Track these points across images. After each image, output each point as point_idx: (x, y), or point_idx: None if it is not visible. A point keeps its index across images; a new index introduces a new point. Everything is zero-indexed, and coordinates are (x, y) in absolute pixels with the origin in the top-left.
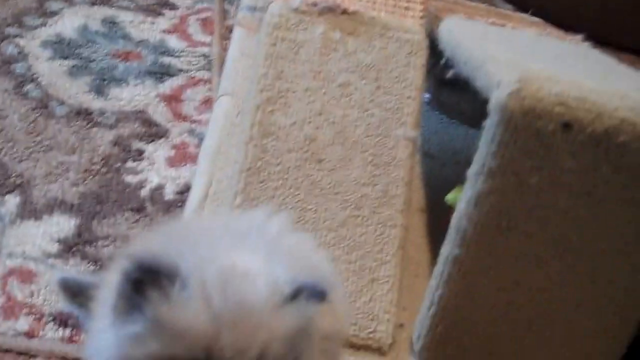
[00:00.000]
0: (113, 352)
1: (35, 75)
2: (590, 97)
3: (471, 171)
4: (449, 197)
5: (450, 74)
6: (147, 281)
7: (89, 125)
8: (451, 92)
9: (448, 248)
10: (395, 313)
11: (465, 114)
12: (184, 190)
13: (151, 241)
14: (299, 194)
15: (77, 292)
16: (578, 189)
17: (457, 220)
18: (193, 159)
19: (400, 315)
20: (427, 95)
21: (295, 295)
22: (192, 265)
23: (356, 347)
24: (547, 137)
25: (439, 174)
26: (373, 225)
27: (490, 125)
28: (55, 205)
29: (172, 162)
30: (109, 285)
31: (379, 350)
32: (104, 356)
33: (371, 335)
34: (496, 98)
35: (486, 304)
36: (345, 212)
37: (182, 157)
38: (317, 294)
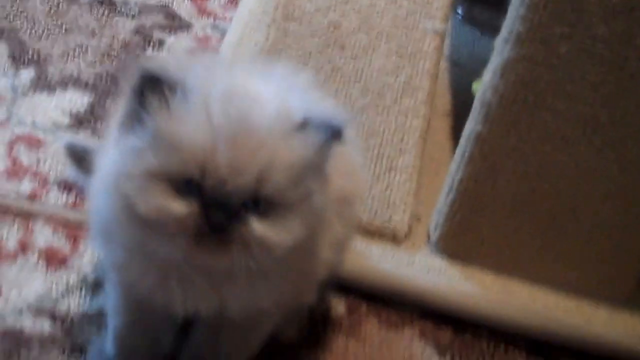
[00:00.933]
0: (113, 169)
1: None
2: None
3: (499, 39)
4: (475, 86)
5: None
6: (149, 90)
7: (111, 14)
8: (484, 8)
9: (471, 125)
10: (412, 203)
11: (498, 30)
12: None
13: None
14: (319, 78)
15: (82, 158)
16: (610, 61)
17: (481, 93)
18: (214, 48)
19: (418, 208)
20: (459, 11)
21: (307, 125)
22: (199, 80)
23: (371, 234)
24: (580, 1)
25: (466, 82)
26: (394, 115)
27: None
28: (70, 82)
29: (193, 53)
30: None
31: (394, 239)
32: (99, 179)
33: (386, 224)
34: None
35: (508, 191)
36: (365, 99)
37: (204, 49)
38: (332, 130)
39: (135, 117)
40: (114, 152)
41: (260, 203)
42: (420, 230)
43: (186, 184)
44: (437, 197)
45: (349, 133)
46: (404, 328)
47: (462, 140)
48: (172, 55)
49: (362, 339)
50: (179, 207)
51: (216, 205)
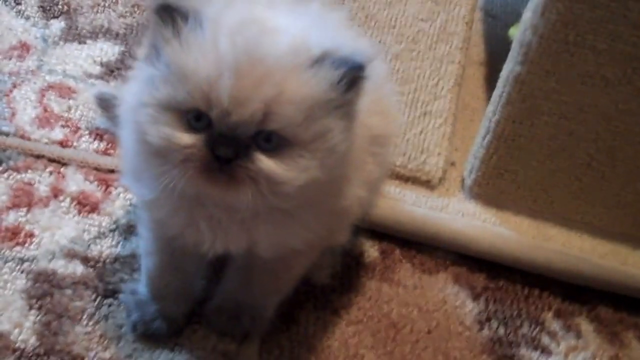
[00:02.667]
0: (132, 99)
1: None
2: None
3: None
4: (512, 31)
5: None
6: (163, 20)
7: None
8: None
9: (510, 66)
10: (447, 148)
11: None
12: None
13: None
14: (352, 26)
15: (112, 107)
16: None
17: (521, 33)
18: None
19: (452, 154)
20: None
21: (324, 59)
22: (216, 11)
23: (404, 178)
24: None
25: (500, 33)
26: (429, 60)
27: None
28: (100, 33)
29: None
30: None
31: (428, 184)
32: (124, 110)
33: (420, 168)
34: None
35: (546, 134)
36: (400, 45)
37: None
38: (353, 65)
39: (154, 48)
40: (135, 83)
41: (271, 139)
42: (454, 175)
43: (195, 116)
44: (471, 144)
45: (382, 73)
46: (437, 273)
47: (500, 82)
48: None
49: (396, 283)
50: (185, 137)
51: (223, 138)
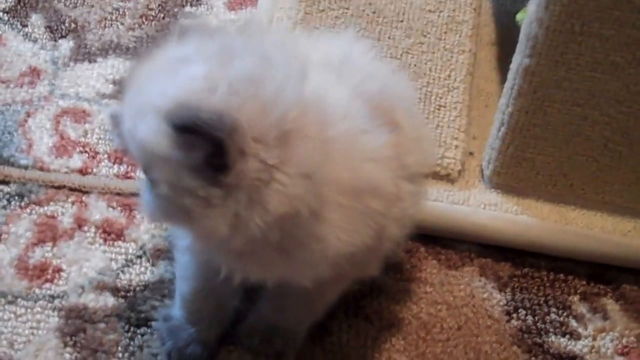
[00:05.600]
0: None
1: None
2: None
3: None
4: (519, 16)
5: None
6: None
7: None
8: None
9: (518, 59)
10: (464, 140)
11: None
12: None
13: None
14: (360, 23)
15: None
16: None
17: (527, 26)
18: (253, 1)
19: (470, 144)
20: None
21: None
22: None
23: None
24: None
25: (510, 10)
26: (440, 52)
27: None
28: (110, 49)
29: (232, 5)
30: None
31: (448, 177)
32: None
33: (439, 162)
34: None
35: (559, 121)
36: (409, 39)
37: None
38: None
39: None
40: None
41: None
42: (473, 166)
43: None
44: (488, 130)
45: (414, 107)
46: (463, 267)
47: (510, 74)
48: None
49: (423, 282)
50: None
51: None
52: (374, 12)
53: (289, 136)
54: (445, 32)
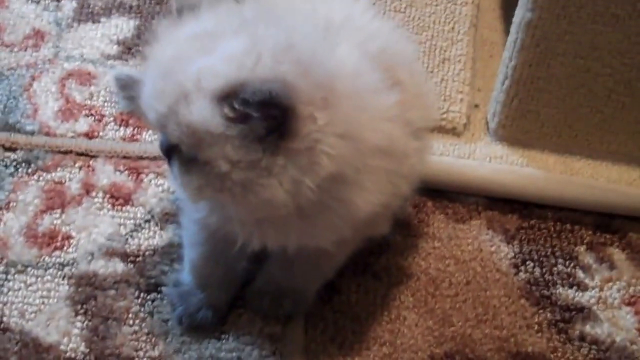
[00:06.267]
0: None
1: None
2: None
3: None
4: None
5: None
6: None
7: None
8: None
9: (521, 12)
10: (469, 93)
11: None
12: None
13: None
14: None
15: (130, 89)
16: None
17: None
18: None
19: (475, 95)
20: None
21: (229, 95)
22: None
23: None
24: None
25: None
26: (443, 4)
27: None
28: (114, 7)
29: None
30: None
31: (453, 131)
32: None
33: (445, 116)
34: None
35: (562, 73)
36: None
37: None
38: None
39: None
40: None
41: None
42: (479, 118)
43: None
44: (493, 81)
45: (416, 63)
46: (470, 220)
47: (513, 28)
48: None
49: (431, 237)
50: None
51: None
52: None
53: (331, 97)
54: None
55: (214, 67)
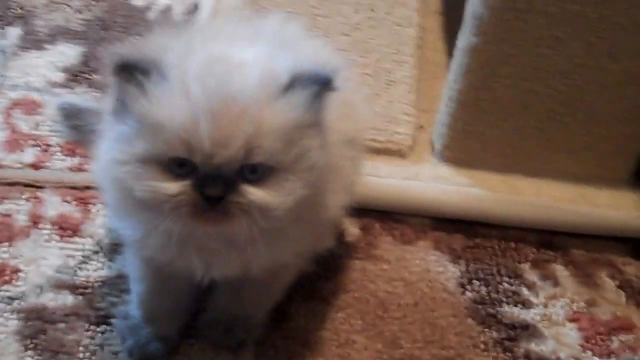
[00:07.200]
0: (108, 157)
1: None
2: None
3: None
4: None
5: None
6: (125, 77)
7: None
8: None
9: (465, 37)
10: (414, 114)
11: None
12: (193, 10)
13: (143, 42)
14: (310, 0)
15: (77, 117)
16: None
17: (472, 6)
18: None
19: (420, 117)
20: None
21: (293, 84)
22: (176, 57)
23: (376, 151)
24: None
25: None
26: (388, 27)
27: None
28: (59, 34)
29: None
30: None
31: (399, 153)
32: (100, 167)
33: (390, 138)
34: None
35: (506, 95)
36: (358, 15)
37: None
38: (322, 83)
39: (121, 104)
40: (107, 140)
41: (256, 170)
42: (424, 139)
43: (178, 164)
44: (437, 102)
45: (344, 74)
46: (417, 241)
47: (457, 52)
48: (155, 33)
49: (379, 259)
50: (173, 186)
51: (209, 179)
52: None
53: None
54: (393, 6)
55: (266, 71)
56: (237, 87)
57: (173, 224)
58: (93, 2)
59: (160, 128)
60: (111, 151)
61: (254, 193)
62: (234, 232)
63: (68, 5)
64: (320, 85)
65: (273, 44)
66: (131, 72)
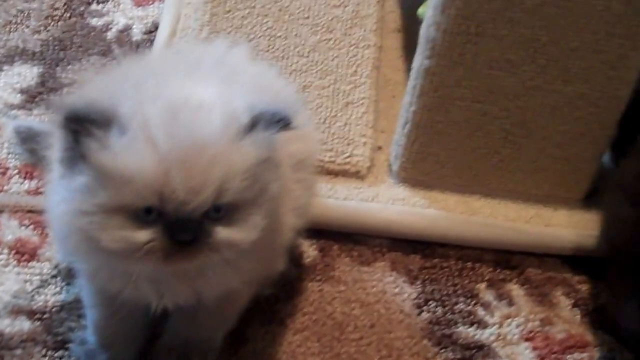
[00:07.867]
0: (65, 207)
1: None
2: None
3: None
4: (420, 10)
5: None
6: (79, 130)
7: None
8: None
9: (419, 59)
10: (372, 136)
11: None
12: (152, 30)
13: (91, 86)
14: (267, 22)
15: (31, 141)
16: None
17: (425, 30)
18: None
19: (378, 137)
20: None
21: (254, 124)
22: (133, 106)
23: (334, 173)
24: None
25: None
26: (345, 48)
27: None
28: (16, 55)
29: (139, 1)
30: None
31: (357, 175)
32: (57, 212)
33: (348, 160)
34: None
35: (461, 117)
36: (316, 36)
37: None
38: (280, 121)
39: (74, 155)
40: (61, 189)
41: (220, 209)
42: (382, 160)
43: (146, 211)
44: (395, 122)
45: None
46: (375, 262)
47: (412, 74)
48: (98, 76)
49: (337, 281)
50: (142, 235)
51: (180, 224)
52: (279, 10)
53: None
54: (351, 27)
55: (227, 113)
56: (202, 132)
57: (141, 268)
58: (51, 23)
59: (129, 180)
60: (71, 202)
61: (222, 232)
62: (200, 266)
63: (25, 26)
64: (280, 123)
65: (218, 74)
66: (82, 124)
